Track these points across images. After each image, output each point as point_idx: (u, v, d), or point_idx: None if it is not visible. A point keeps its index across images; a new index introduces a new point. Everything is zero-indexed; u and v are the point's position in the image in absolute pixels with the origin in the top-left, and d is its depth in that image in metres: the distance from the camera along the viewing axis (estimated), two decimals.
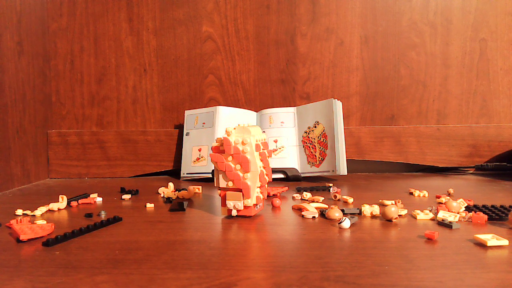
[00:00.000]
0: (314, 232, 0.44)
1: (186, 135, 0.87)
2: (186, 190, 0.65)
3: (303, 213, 0.51)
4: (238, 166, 0.49)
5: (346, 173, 0.78)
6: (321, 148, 0.80)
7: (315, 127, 0.81)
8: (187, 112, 0.89)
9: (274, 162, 0.83)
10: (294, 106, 0.91)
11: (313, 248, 0.39)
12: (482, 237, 0.40)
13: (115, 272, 0.33)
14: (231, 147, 0.49)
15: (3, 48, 0.74)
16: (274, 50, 0.92)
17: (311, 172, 0.81)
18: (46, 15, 0.91)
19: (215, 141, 0.51)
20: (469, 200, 0.57)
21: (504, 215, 0.48)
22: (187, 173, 0.84)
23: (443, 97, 0.92)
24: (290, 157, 0.83)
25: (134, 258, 0.37)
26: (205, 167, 0.82)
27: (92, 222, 0.49)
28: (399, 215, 0.51)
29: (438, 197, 0.61)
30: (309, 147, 0.82)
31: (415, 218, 0.50)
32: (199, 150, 0.84)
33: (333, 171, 0.77)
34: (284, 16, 0.91)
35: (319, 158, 0.80)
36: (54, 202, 0.58)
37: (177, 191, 0.66)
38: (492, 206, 0.53)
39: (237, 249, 0.39)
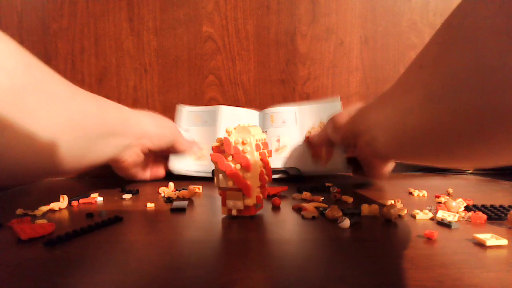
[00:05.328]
0: (314, 232, 0.45)
1: (186, 131, 0.86)
2: (186, 190, 0.66)
3: (303, 213, 0.52)
4: (238, 166, 0.49)
5: (349, 172, 0.79)
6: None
7: (320, 127, 0.81)
8: (187, 108, 0.88)
9: (277, 161, 0.83)
10: (297, 104, 0.92)
11: (313, 248, 0.39)
12: (482, 236, 0.40)
13: (116, 272, 0.34)
14: (231, 147, 0.49)
15: None
16: (274, 50, 0.92)
17: (315, 171, 0.81)
18: (47, 16, 0.91)
19: (215, 141, 0.51)
20: (468, 200, 0.57)
21: (503, 214, 0.49)
22: (185, 169, 0.83)
23: None
24: (293, 156, 0.83)
25: (134, 257, 0.37)
26: (206, 166, 0.82)
27: (92, 221, 0.50)
28: (398, 215, 0.51)
29: (438, 196, 0.61)
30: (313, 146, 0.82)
31: (415, 217, 0.50)
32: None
33: (337, 169, 0.78)
34: (284, 16, 0.91)
35: (323, 156, 0.80)
36: (55, 201, 0.59)
37: (177, 191, 0.66)
38: (492, 205, 0.54)
39: (237, 249, 0.39)
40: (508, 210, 0.51)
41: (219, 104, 0.92)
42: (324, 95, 0.92)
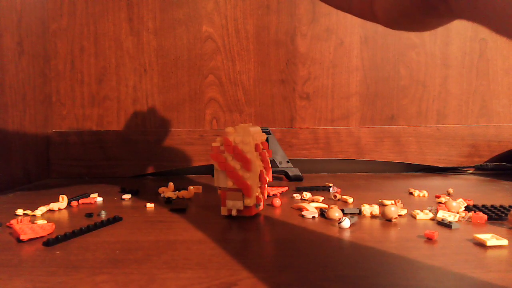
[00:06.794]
0: (314, 232, 0.45)
1: None
2: (186, 190, 0.66)
3: (303, 213, 0.52)
4: (238, 166, 0.49)
5: None
6: None
7: None
8: None
9: None
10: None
11: (313, 248, 0.39)
12: (482, 236, 0.40)
13: (116, 272, 0.34)
14: (231, 147, 0.49)
15: (3, 48, 0.74)
16: (274, 50, 0.92)
17: None
18: (47, 15, 0.91)
19: (215, 141, 0.51)
20: (468, 200, 0.57)
21: (503, 215, 0.49)
22: None
23: (443, 97, 0.92)
24: None
25: (134, 257, 0.37)
26: None
27: (92, 222, 0.50)
28: (399, 215, 0.51)
29: (438, 197, 0.61)
30: None
31: (415, 218, 0.50)
32: None
33: None
34: (284, 16, 0.91)
35: None
36: (55, 202, 0.59)
37: (177, 191, 0.66)
38: (492, 206, 0.54)
39: (237, 249, 0.39)
40: (509, 210, 0.51)
41: (219, 104, 0.92)
42: (324, 95, 0.92)
